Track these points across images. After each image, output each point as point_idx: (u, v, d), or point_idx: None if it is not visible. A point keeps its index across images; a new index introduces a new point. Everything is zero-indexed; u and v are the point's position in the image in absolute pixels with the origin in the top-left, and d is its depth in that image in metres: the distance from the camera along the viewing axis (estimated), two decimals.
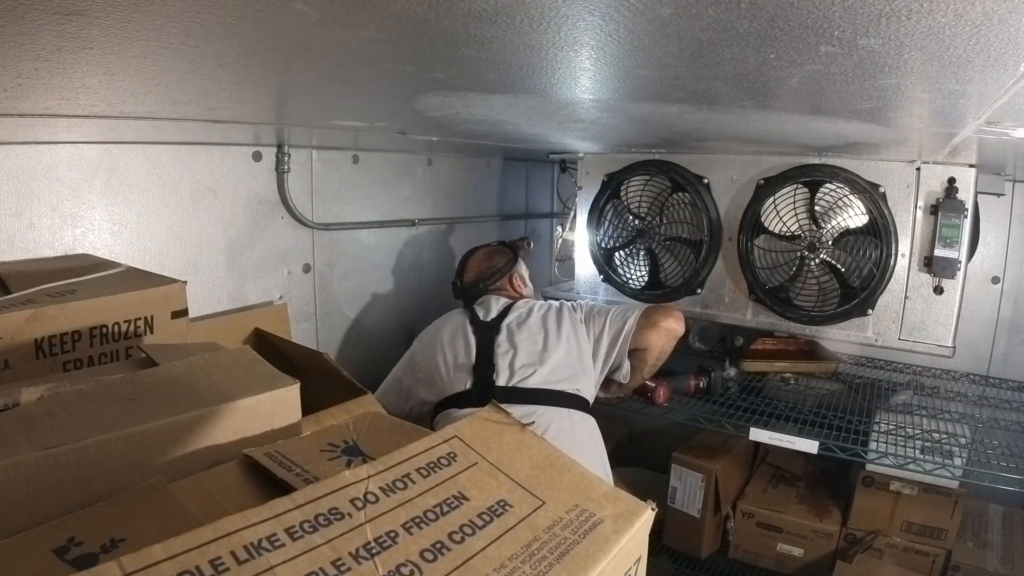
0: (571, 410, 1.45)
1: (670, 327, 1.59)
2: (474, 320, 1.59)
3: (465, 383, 1.47)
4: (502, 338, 1.53)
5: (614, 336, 1.58)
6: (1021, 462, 1.43)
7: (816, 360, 1.93)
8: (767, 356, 1.93)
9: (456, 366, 1.51)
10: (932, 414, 1.73)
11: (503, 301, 1.66)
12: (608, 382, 1.66)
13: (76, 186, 1.25)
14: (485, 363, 1.48)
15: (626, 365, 1.61)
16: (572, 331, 1.57)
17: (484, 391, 1.42)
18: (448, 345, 1.55)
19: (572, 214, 2.13)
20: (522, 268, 1.84)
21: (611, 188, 1.93)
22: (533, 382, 1.44)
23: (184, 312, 0.95)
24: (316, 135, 1.55)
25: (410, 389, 1.60)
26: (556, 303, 1.66)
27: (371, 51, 0.62)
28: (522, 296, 1.77)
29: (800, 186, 1.65)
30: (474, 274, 1.77)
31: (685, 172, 1.82)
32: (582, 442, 1.43)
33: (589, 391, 1.54)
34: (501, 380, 1.45)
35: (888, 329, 1.62)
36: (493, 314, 1.60)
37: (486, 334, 1.54)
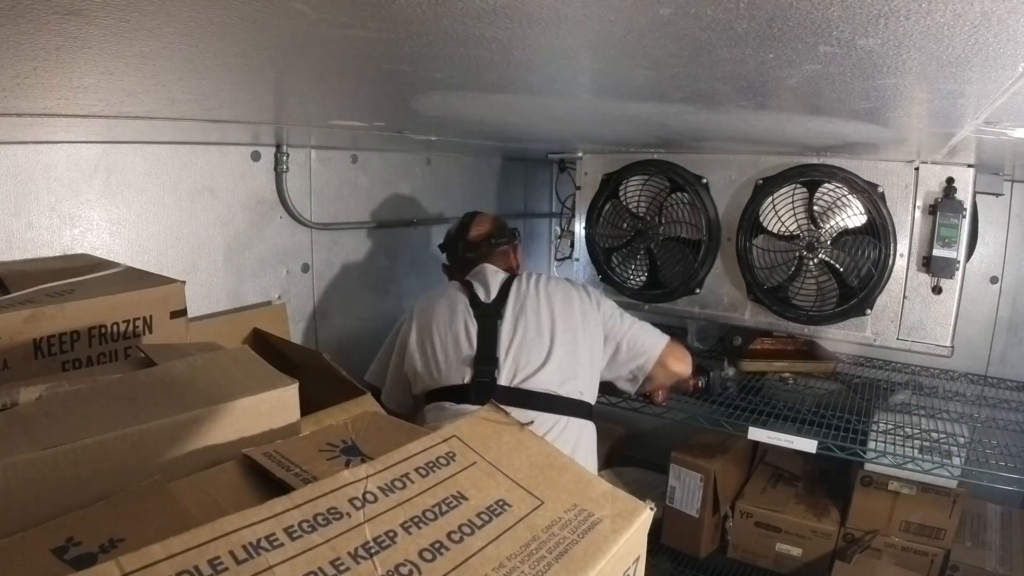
0: (571, 418, 1.37)
1: (679, 371, 1.57)
2: (474, 301, 1.45)
3: (463, 376, 1.37)
4: (506, 327, 1.40)
5: (632, 358, 1.51)
6: (1019, 462, 1.44)
7: (815, 360, 1.93)
8: (766, 356, 1.94)
9: (455, 355, 1.39)
10: (931, 414, 1.73)
11: (501, 275, 1.52)
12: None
13: (75, 186, 1.25)
14: (487, 356, 1.37)
15: (624, 381, 1.57)
16: (582, 320, 1.45)
17: (484, 389, 1.34)
18: (446, 327, 1.43)
19: (571, 214, 2.13)
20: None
21: (610, 188, 1.93)
22: (536, 383, 1.35)
23: (183, 312, 0.95)
24: (315, 135, 1.55)
25: (405, 378, 1.50)
26: (561, 279, 1.54)
27: (370, 50, 0.62)
28: (520, 267, 1.66)
29: (799, 186, 1.65)
30: (486, 228, 1.65)
31: (684, 172, 1.82)
32: (575, 454, 1.35)
33: (592, 392, 1.45)
34: (503, 378, 1.35)
35: (887, 329, 1.62)
36: (494, 292, 1.47)
37: (488, 319, 1.41)
